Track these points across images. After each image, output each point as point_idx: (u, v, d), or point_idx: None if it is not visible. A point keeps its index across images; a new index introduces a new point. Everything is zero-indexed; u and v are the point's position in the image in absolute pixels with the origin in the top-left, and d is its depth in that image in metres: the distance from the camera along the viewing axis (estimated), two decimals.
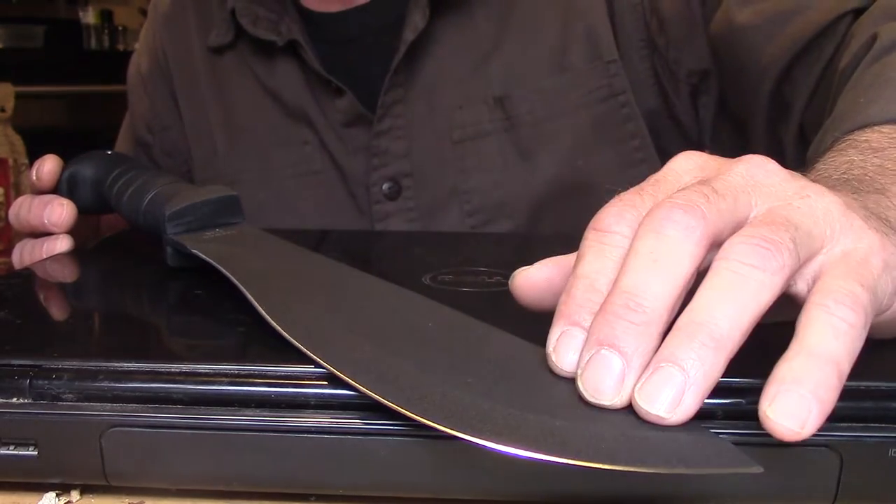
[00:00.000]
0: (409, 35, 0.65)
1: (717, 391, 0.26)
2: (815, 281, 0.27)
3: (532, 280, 0.31)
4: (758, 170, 0.29)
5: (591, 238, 0.28)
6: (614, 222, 0.28)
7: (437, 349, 0.29)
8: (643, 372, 0.25)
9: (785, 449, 0.27)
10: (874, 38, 0.49)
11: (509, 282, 0.31)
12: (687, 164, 0.30)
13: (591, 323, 0.26)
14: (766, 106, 0.59)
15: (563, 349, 0.27)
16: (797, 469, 0.27)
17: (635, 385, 0.25)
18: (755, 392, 0.27)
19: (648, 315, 0.25)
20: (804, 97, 0.56)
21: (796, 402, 0.24)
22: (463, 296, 0.39)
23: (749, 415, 0.27)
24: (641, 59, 0.66)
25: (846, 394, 0.27)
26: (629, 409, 0.25)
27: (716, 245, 0.27)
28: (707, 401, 0.26)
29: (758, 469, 0.23)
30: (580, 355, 0.26)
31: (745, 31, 0.58)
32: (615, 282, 0.26)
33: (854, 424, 0.27)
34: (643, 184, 0.30)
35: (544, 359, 0.28)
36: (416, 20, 0.65)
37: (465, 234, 0.65)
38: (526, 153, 0.66)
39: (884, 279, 0.27)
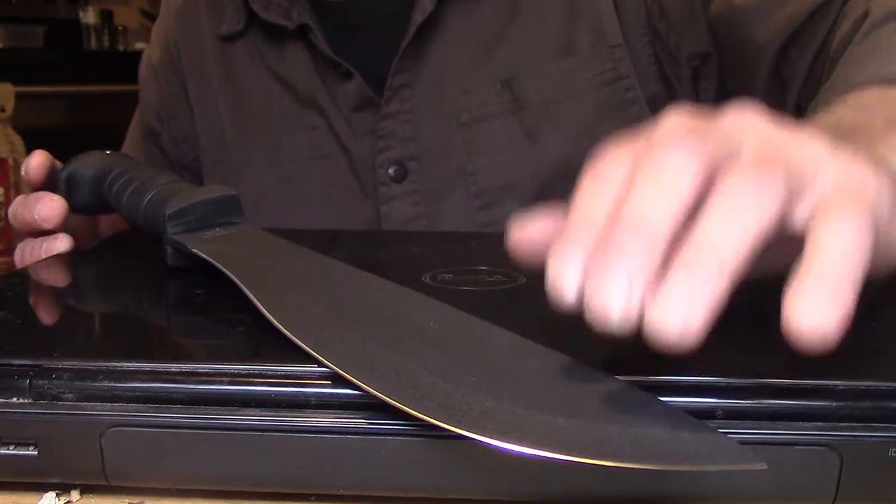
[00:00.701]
0: (417, 17, 0.66)
1: (717, 391, 0.26)
2: (812, 212, 0.27)
3: (530, 230, 0.30)
4: (747, 115, 0.29)
5: (586, 181, 0.28)
6: (609, 164, 0.28)
7: (440, 348, 0.29)
8: (649, 291, 0.25)
9: (785, 449, 0.27)
10: (866, 14, 0.50)
11: (507, 238, 0.30)
12: (678, 118, 0.30)
13: (596, 245, 0.26)
14: (764, 87, 0.60)
15: (562, 279, 0.26)
16: (797, 469, 0.27)
17: (642, 305, 0.25)
18: (755, 392, 0.27)
19: (653, 235, 0.25)
20: (801, 77, 0.57)
21: (816, 304, 0.24)
22: (463, 295, 0.39)
23: (749, 414, 0.27)
24: (643, 46, 0.67)
25: (846, 394, 0.27)
26: (632, 406, 0.25)
27: (710, 182, 0.27)
28: (707, 400, 0.26)
29: (762, 466, 0.23)
30: (587, 279, 0.26)
31: (743, 12, 0.59)
32: (618, 208, 0.26)
33: (854, 424, 0.27)
34: (640, 138, 0.30)
35: (547, 357, 0.28)
36: (425, 3, 0.66)
37: (465, 234, 0.65)
38: (532, 135, 0.67)
39: (879, 203, 0.27)
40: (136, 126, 0.83)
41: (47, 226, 0.52)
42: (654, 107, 0.68)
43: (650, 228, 0.25)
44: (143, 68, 0.83)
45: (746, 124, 0.29)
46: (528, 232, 0.30)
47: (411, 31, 0.66)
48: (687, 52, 0.65)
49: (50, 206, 0.52)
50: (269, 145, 0.73)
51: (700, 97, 0.67)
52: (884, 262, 0.30)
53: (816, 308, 0.24)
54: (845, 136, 0.33)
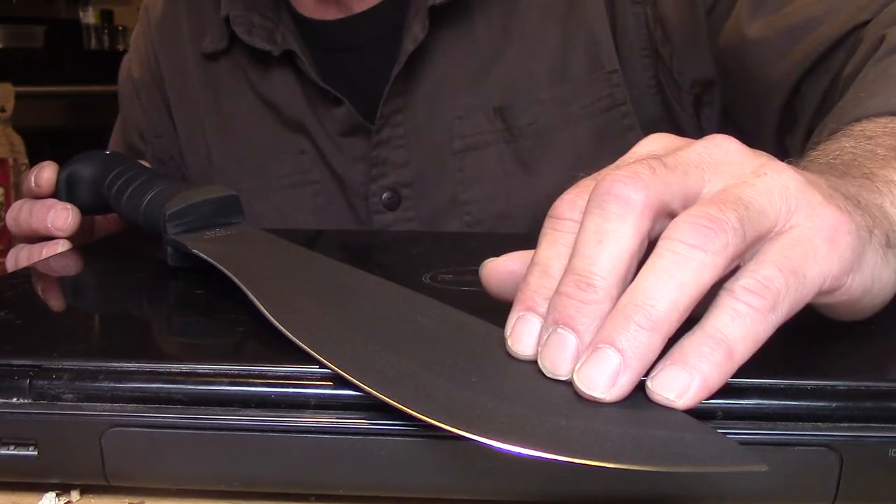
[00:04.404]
0: (408, 45, 0.64)
1: (717, 391, 0.26)
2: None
3: (497, 271, 0.32)
4: (716, 148, 0.29)
5: (546, 226, 0.30)
6: (567, 209, 0.29)
7: (441, 348, 0.29)
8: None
9: (785, 449, 0.27)
10: (881, 40, 0.49)
11: (479, 270, 0.33)
12: (651, 146, 0.31)
13: (548, 305, 0.27)
14: (775, 118, 0.58)
15: (518, 333, 0.28)
16: (797, 469, 0.27)
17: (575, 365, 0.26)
18: (755, 392, 0.27)
19: (598, 293, 0.27)
20: (812, 108, 0.56)
21: (676, 375, 0.26)
22: (463, 295, 0.39)
23: (749, 415, 0.27)
24: (644, 68, 0.65)
25: (846, 394, 0.27)
26: (634, 407, 0.25)
27: (664, 215, 0.28)
28: (707, 401, 0.26)
29: (762, 467, 0.24)
30: (539, 335, 0.27)
31: (757, 46, 0.57)
32: (568, 265, 0.28)
33: (854, 424, 0.27)
34: (605, 169, 0.30)
35: None
36: (416, 30, 0.64)
37: (465, 234, 0.65)
38: (527, 164, 0.66)
39: (825, 261, 0.28)
40: (118, 138, 0.81)
41: (62, 235, 0.51)
42: (654, 130, 0.66)
43: (597, 287, 0.27)
44: (124, 82, 0.80)
45: (714, 157, 0.29)
46: (497, 270, 0.32)
47: (402, 58, 0.65)
48: (690, 77, 0.64)
49: (65, 216, 0.51)
50: (257, 170, 0.71)
51: (702, 123, 0.66)
52: (848, 311, 0.31)
53: (673, 384, 0.26)
54: (843, 173, 0.34)
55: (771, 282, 0.26)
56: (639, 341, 0.25)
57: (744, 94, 0.62)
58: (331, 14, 0.69)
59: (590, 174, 0.30)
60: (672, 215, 0.28)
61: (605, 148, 0.65)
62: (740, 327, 0.26)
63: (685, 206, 0.28)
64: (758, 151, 0.30)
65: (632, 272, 0.27)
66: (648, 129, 0.65)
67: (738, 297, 0.26)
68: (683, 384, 0.25)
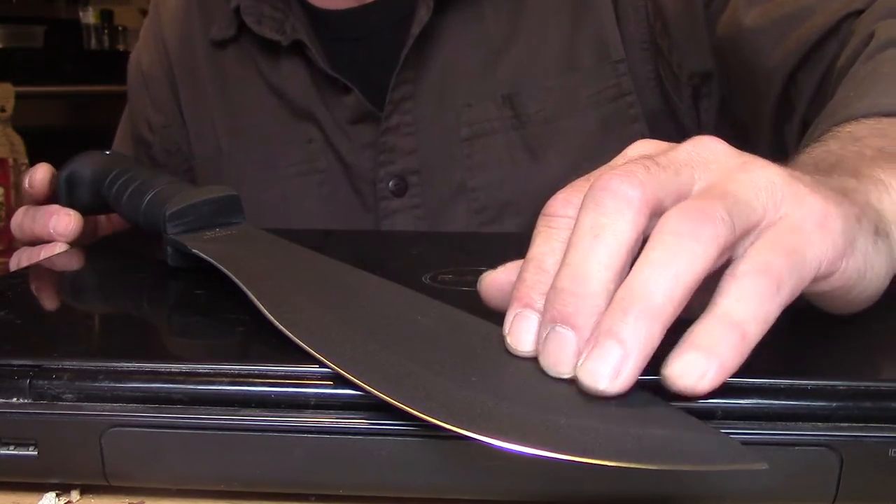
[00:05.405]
0: (414, 29, 0.65)
1: (717, 391, 0.26)
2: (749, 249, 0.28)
3: (498, 282, 0.32)
4: (704, 148, 0.30)
5: (540, 224, 0.30)
6: (560, 206, 0.29)
7: (441, 348, 0.29)
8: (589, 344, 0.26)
9: (785, 449, 0.27)
10: (871, 35, 0.49)
11: (477, 284, 0.32)
12: (640, 149, 0.31)
13: (545, 302, 0.27)
14: (772, 108, 0.59)
15: (517, 330, 0.28)
16: (797, 469, 0.27)
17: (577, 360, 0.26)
18: (755, 392, 0.27)
19: (595, 286, 0.26)
20: (807, 97, 0.56)
21: (692, 360, 0.25)
22: (463, 295, 0.39)
23: (749, 414, 0.27)
24: (644, 61, 0.66)
25: (846, 394, 0.27)
26: (634, 406, 0.25)
27: (658, 213, 0.28)
28: (707, 400, 0.26)
29: (762, 465, 0.24)
30: (538, 333, 0.27)
31: (753, 34, 0.58)
32: (563, 260, 0.27)
33: (854, 424, 0.27)
34: (596, 171, 0.30)
35: None
36: (422, 14, 0.65)
37: (465, 234, 0.65)
38: (534, 152, 0.66)
39: (819, 245, 0.28)
40: (126, 135, 0.82)
41: (64, 240, 0.52)
42: (654, 123, 0.67)
43: (593, 281, 0.26)
44: (132, 74, 0.80)
45: (702, 156, 0.30)
46: (496, 282, 0.32)
47: (409, 42, 0.65)
48: (688, 70, 0.65)
49: (66, 221, 0.52)
50: (265, 159, 0.72)
51: (701, 116, 0.66)
52: (842, 300, 0.31)
53: (690, 369, 0.25)
54: (826, 170, 0.34)
55: (772, 263, 0.27)
56: (639, 331, 0.25)
57: (741, 84, 0.62)
58: (342, 3, 0.69)
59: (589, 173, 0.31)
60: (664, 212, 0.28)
61: (611, 137, 0.66)
62: (749, 308, 0.26)
63: (671, 210, 0.28)
64: (741, 151, 0.31)
65: (627, 268, 0.27)
66: (649, 121, 0.66)
67: (741, 280, 0.26)
68: (701, 369, 0.25)
